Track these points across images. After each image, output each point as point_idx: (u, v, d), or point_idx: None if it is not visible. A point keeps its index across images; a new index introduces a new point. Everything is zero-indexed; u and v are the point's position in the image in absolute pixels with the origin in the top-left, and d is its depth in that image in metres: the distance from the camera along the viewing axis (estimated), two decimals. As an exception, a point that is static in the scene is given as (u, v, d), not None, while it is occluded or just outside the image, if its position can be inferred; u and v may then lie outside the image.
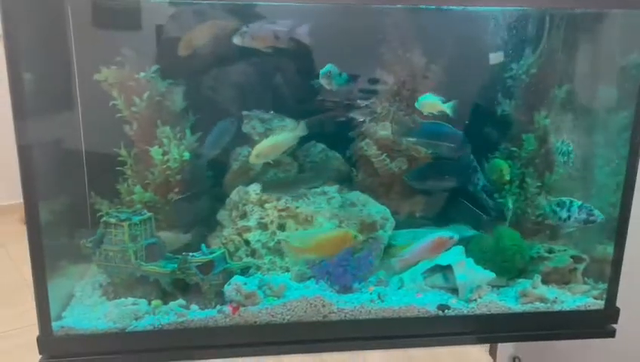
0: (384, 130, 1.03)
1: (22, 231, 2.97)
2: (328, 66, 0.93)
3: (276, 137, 0.98)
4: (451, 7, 0.87)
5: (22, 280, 2.67)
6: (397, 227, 1.05)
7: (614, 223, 0.92)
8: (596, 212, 0.93)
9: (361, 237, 0.96)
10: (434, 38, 1.03)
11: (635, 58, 0.86)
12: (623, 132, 0.89)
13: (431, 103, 0.94)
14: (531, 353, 1.51)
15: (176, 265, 0.91)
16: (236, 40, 0.91)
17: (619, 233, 0.92)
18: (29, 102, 0.78)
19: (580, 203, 0.95)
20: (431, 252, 0.97)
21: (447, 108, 0.93)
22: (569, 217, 0.96)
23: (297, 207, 1.01)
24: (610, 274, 0.94)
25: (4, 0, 0.71)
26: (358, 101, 1.05)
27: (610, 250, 0.93)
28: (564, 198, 0.97)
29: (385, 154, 1.04)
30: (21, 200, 2.90)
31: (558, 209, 0.97)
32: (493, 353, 1.38)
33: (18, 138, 0.79)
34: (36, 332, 0.87)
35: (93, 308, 0.92)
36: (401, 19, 0.99)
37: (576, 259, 0.99)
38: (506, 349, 1.51)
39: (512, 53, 1.03)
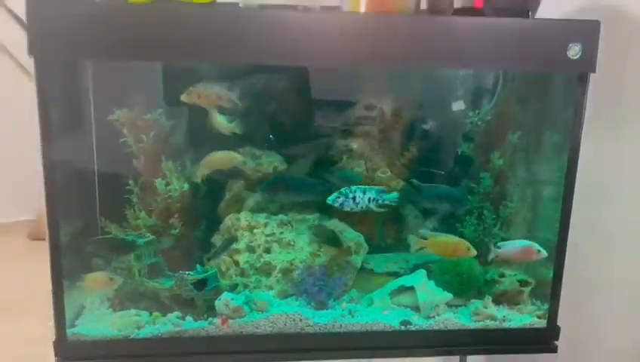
0: (359, 168, 1.19)
1: (30, 247, 3.17)
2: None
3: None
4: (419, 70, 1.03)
5: (31, 294, 2.80)
6: (370, 252, 1.21)
7: (554, 252, 1.06)
8: (541, 250, 1.07)
9: (474, 251, 1.08)
10: (404, 89, 1.19)
11: (568, 112, 1.01)
12: (561, 174, 1.04)
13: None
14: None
15: (174, 282, 1.06)
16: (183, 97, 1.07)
17: (557, 260, 1.06)
18: (55, 139, 0.93)
19: (524, 242, 1.10)
20: (520, 256, 1.10)
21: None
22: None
23: (282, 233, 1.15)
24: (551, 296, 1.08)
25: (38, 65, 0.88)
26: (337, 141, 1.21)
27: (549, 274, 1.07)
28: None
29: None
30: (29, 217, 3.09)
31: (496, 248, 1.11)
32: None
33: (45, 170, 0.93)
34: (48, 341, 1.01)
35: (101, 318, 1.06)
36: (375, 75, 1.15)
37: (523, 283, 1.13)
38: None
39: (471, 103, 1.19)
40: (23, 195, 3.65)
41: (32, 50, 0.87)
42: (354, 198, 1.08)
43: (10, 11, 3.33)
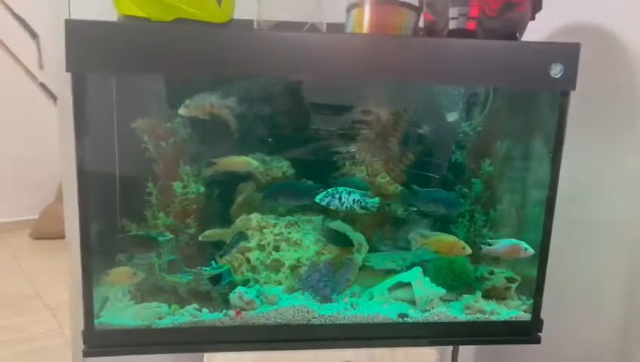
0: (361, 173, 1.29)
1: (32, 246, 3.27)
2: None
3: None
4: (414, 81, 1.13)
5: (34, 292, 2.89)
6: (371, 251, 1.30)
7: (538, 252, 1.17)
8: (528, 248, 1.18)
9: (469, 250, 1.18)
10: (403, 101, 1.29)
11: (552, 124, 1.12)
12: (545, 180, 1.14)
13: None
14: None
15: (191, 277, 1.16)
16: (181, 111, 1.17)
17: (541, 259, 1.16)
18: (86, 146, 1.02)
19: (513, 240, 1.20)
20: (509, 253, 1.19)
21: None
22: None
23: (289, 233, 1.25)
24: (535, 292, 1.18)
25: (75, 81, 0.97)
26: (341, 148, 1.31)
27: (534, 271, 1.18)
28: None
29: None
30: (30, 216, 3.18)
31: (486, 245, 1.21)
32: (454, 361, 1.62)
33: (79, 173, 1.02)
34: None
35: (124, 310, 1.15)
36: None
37: (510, 280, 1.23)
38: (466, 358, 1.74)
39: (464, 115, 1.29)
40: (26, 195, 3.74)
41: (69, 67, 0.96)
42: (340, 198, 1.17)
43: (9, 9, 3.41)
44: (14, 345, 2.38)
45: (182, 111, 1.18)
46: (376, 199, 1.19)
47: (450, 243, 1.20)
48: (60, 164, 1.39)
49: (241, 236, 1.23)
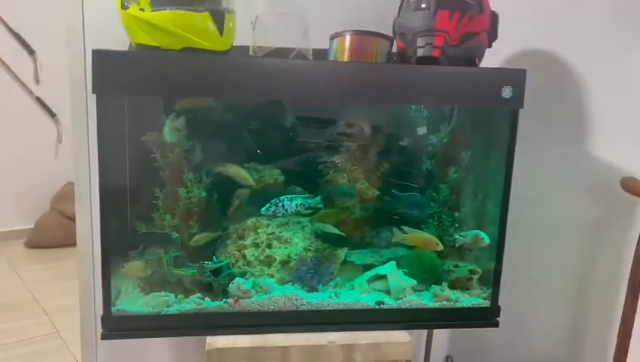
0: (342, 180, 1.47)
1: (29, 254, 3.41)
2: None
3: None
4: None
5: (31, 297, 3.01)
6: (352, 248, 1.48)
7: (496, 246, 1.36)
8: (485, 238, 1.37)
9: (441, 246, 1.37)
10: (379, 118, 1.49)
11: (505, 136, 1.31)
12: (500, 185, 1.33)
13: None
14: (463, 353, 1.93)
15: (195, 270, 1.32)
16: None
17: (498, 253, 1.35)
18: (106, 156, 1.19)
19: (476, 231, 1.39)
20: (474, 242, 1.38)
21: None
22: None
23: (280, 232, 1.42)
24: (493, 282, 1.37)
25: (99, 101, 1.14)
26: (325, 158, 1.49)
27: (493, 265, 1.36)
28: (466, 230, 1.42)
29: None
30: (25, 226, 3.34)
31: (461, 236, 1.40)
32: (427, 352, 1.80)
33: (101, 180, 1.19)
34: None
35: (135, 299, 1.31)
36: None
37: (472, 272, 1.41)
38: (439, 349, 1.92)
39: (432, 129, 1.49)
40: (21, 205, 3.85)
41: (95, 89, 1.13)
42: (283, 206, 1.33)
43: (7, 26, 3.56)
44: (14, 347, 2.49)
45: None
46: (318, 198, 1.35)
47: (427, 239, 1.39)
48: (73, 174, 1.54)
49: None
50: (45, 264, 3.47)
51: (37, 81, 3.76)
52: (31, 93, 3.75)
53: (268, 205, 1.32)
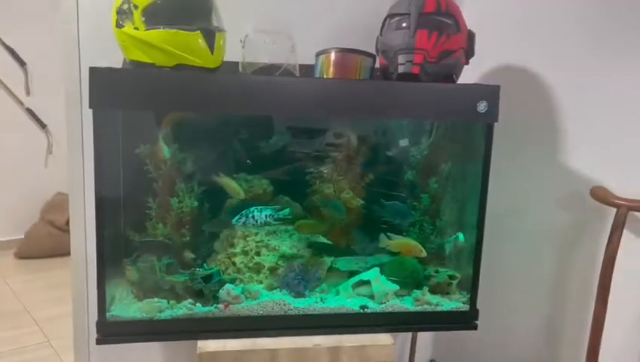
0: (328, 189, 1.54)
1: (19, 264, 3.44)
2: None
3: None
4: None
5: (22, 307, 3.03)
6: (338, 255, 1.54)
7: (474, 253, 1.42)
8: (461, 238, 1.44)
9: (425, 253, 1.45)
10: (362, 128, 1.56)
11: (481, 148, 1.38)
12: (477, 194, 1.40)
13: None
14: (446, 356, 1.99)
15: (187, 277, 1.37)
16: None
17: (475, 259, 1.42)
18: (103, 168, 1.25)
19: (454, 236, 1.47)
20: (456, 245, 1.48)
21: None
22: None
23: (269, 240, 1.48)
24: (472, 287, 1.43)
25: (95, 115, 1.20)
26: (312, 169, 1.56)
27: (471, 271, 1.43)
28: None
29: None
30: (15, 236, 3.38)
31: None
32: (412, 356, 1.87)
33: (96, 190, 1.24)
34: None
35: (129, 305, 1.36)
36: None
37: (452, 277, 1.48)
38: (424, 352, 1.98)
39: (414, 141, 1.56)
40: (10, 216, 3.87)
41: (91, 104, 1.19)
42: (253, 217, 1.39)
43: (2, 43, 3.60)
44: (5, 356, 2.52)
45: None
46: (287, 210, 1.42)
47: (411, 246, 1.46)
48: (67, 185, 1.59)
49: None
50: (35, 274, 3.49)
51: (28, 92, 3.80)
52: (21, 104, 3.79)
53: (238, 216, 1.39)
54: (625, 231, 1.37)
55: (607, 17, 1.43)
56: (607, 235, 1.39)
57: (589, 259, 1.50)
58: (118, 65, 1.34)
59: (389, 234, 1.49)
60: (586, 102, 1.49)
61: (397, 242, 1.48)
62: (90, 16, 1.50)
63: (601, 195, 1.40)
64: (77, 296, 1.64)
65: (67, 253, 1.67)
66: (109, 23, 1.27)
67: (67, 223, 3.55)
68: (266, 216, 1.39)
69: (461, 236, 1.45)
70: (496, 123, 1.34)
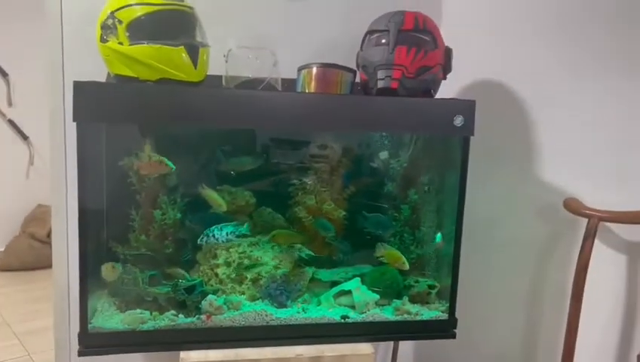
0: (310, 201, 1.56)
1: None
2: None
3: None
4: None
5: (1, 320, 2.99)
6: (320, 266, 1.57)
7: (452, 264, 1.46)
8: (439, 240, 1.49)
9: (407, 266, 1.48)
10: (344, 141, 1.59)
11: (458, 161, 1.42)
12: (455, 205, 1.44)
13: None
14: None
15: (170, 288, 1.39)
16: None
17: (454, 269, 1.45)
18: (86, 180, 1.26)
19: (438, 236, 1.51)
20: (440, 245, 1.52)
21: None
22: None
23: (251, 251, 1.50)
24: (450, 296, 1.47)
25: (79, 128, 1.21)
26: (294, 180, 1.58)
27: (450, 280, 1.47)
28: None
29: (311, 216, 1.57)
30: None
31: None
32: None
33: (80, 202, 1.25)
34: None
35: (111, 317, 1.37)
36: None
37: (431, 287, 1.51)
38: (405, 361, 2.01)
39: (393, 153, 1.60)
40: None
41: (75, 117, 1.20)
42: (214, 236, 1.41)
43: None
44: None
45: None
46: (247, 225, 1.44)
47: (397, 257, 1.49)
48: (49, 197, 1.59)
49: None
50: (16, 287, 3.45)
51: (10, 103, 3.78)
52: (3, 115, 3.76)
53: (201, 236, 1.41)
54: (596, 241, 1.41)
55: (581, 33, 1.49)
56: (580, 244, 1.43)
57: (563, 267, 1.54)
58: (102, 78, 1.36)
59: (384, 244, 1.52)
60: (559, 115, 1.55)
61: (388, 252, 1.51)
62: (74, 29, 1.52)
63: (573, 206, 1.45)
64: (58, 308, 1.64)
65: (48, 266, 1.66)
66: (93, 36, 1.29)
67: (48, 235, 3.54)
68: (227, 233, 1.42)
69: (438, 236, 1.49)
70: (472, 136, 1.38)
